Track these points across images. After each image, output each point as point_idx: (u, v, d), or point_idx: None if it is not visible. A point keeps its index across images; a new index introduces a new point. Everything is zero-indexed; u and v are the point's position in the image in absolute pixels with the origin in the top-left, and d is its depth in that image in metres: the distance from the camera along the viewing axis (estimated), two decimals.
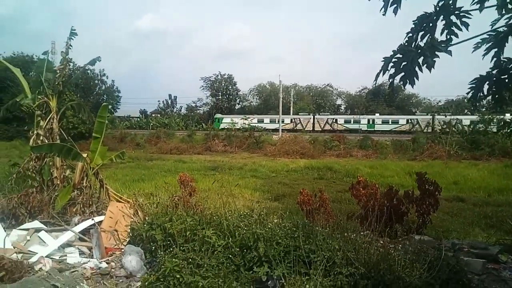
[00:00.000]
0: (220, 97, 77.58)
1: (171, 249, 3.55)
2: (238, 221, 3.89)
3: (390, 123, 52.60)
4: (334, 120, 55.50)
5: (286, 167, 18.48)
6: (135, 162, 20.13)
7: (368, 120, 54.31)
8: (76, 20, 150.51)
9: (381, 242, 3.85)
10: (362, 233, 4.10)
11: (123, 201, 6.45)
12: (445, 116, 37.56)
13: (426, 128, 49.03)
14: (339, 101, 79.24)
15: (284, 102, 58.17)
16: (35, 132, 7.13)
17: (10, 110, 7.94)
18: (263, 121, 57.40)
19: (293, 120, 57.33)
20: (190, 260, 3.26)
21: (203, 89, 79.63)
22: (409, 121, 52.19)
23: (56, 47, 59.03)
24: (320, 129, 52.34)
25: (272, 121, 56.09)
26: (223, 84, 77.93)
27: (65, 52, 7.43)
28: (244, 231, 3.68)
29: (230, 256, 3.51)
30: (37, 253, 4.49)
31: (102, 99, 54.19)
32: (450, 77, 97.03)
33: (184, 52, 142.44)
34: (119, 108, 67.23)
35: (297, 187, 11.63)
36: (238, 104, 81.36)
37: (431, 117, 51.00)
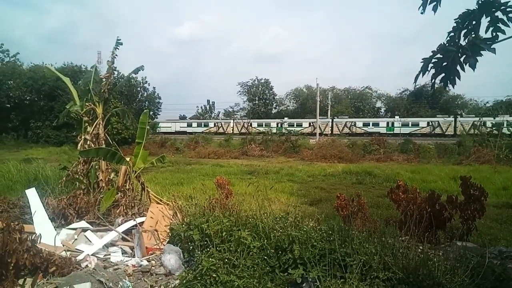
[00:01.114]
0: (257, 101, 78.09)
1: (208, 249, 3.64)
2: (274, 224, 3.92)
3: (410, 125, 51.34)
4: (352, 123, 54.72)
5: (323, 171, 18.26)
6: (174, 166, 20.71)
7: (387, 123, 53.13)
8: (119, 30, 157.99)
9: (421, 248, 3.72)
10: (401, 238, 3.98)
11: (163, 203, 6.68)
12: (494, 118, 35.37)
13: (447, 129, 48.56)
14: (378, 104, 77.04)
15: (322, 105, 57.54)
16: (82, 137, 7.58)
17: (65, 117, 8.47)
18: (263, 125, 54.80)
19: (311, 124, 57.22)
20: (226, 260, 3.33)
21: (240, 94, 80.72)
22: (430, 123, 50.78)
23: (102, 57, 62.36)
24: (338, 133, 51.68)
25: (266, 125, 54.12)
26: (260, 88, 78.44)
27: (111, 61, 7.84)
28: (280, 233, 3.70)
29: (266, 257, 3.54)
30: (83, 251, 4.75)
31: (144, 105, 56.27)
32: (499, 76, 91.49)
33: (222, 57, 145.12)
34: (159, 114, 69.54)
35: (335, 192, 11.45)
36: (275, 108, 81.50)
37: (453, 119, 49.87)
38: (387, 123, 53.15)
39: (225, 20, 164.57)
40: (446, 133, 47.86)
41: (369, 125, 53.95)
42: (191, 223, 4.14)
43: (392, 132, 49.30)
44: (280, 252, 3.61)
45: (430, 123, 50.88)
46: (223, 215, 4.31)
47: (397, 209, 6.06)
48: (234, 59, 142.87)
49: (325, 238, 3.72)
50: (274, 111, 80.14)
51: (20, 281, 3.39)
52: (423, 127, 50.88)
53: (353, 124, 54.94)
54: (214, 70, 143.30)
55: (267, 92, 78.85)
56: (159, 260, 4.10)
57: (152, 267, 3.99)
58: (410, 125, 51.25)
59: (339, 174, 17.32)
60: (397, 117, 55.14)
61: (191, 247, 3.94)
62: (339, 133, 51.40)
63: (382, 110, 75.64)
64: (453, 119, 49.82)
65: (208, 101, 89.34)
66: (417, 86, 59.98)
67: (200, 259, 3.37)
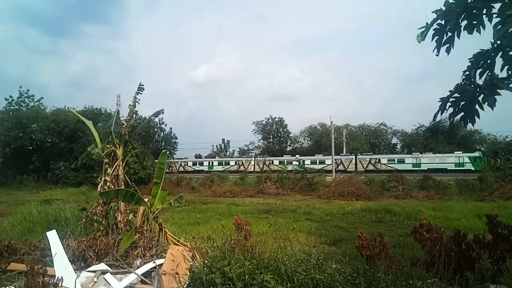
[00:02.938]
0: (271, 139, 78.71)
1: None
2: (296, 266, 3.84)
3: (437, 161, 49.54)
4: (377, 160, 53.49)
5: (341, 209, 17.92)
6: (190, 206, 20.68)
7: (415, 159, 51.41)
8: (137, 74, 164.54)
9: None
10: (429, 280, 3.83)
11: (180, 244, 6.64)
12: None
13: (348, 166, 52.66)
14: (394, 140, 76.57)
15: (337, 142, 57.47)
16: (103, 178, 7.73)
17: (85, 159, 8.70)
18: (284, 163, 54.54)
19: (236, 162, 59.99)
20: None
21: (254, 132, 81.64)
22: (336, 160, 49.94)
23: (121, 99, 64.77)
24: (363, 170, 50.94)
25: (288, 162, 55.00)
26: (274, 127, 79.36)
27: (132, 105, 8.15)
28: (303, 276, 3.62)
29: None
30: None
31: (161, 145, 57.51)
32: None
33: (237, 97, 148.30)
34: (175, 154, 70.75)
35: (355, 231, 11.18)
36: (289, 146, 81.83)
37: (353, 156, 53.63)
38: (416, 159, 51.41)
39: (240, 62, 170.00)
40: (347, 170, 51.69)
41: (394, 161, 52.62)
42: (212, 266, 4.08)
43: (419, 168, 47.53)
44: None
45: (236, 162, 58.13)
46: (244, 257, 4.25)
47: (422, 249, 5.85)
48: (248, 99, 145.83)
49: (350, 281, 3.61)
50: (288, 148, 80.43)
51: None
52: (329, 164, 51.76)
53: (377, 160, 53.88)
54: (229, 110, 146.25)
55: (281, 130, 79.63)
56: None
57: None
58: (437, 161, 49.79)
59: (357, 212, 16.96)
60: (417, 153, 54.02)
61: None
62: (363, 170, 50.65)
63: (398, 146, 75.03)
64: (353, 156, 54.98)
65: (223, 139, 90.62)
66: (432, 123, 59.82)
67: None
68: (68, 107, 51.33)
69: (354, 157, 55.57)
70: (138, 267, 5.58)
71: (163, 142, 62.15)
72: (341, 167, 54.02)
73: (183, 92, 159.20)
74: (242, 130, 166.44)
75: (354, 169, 51.95)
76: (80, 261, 5.92)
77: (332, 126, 51.88)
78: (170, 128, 66.57)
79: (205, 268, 4.14)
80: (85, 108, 50.50)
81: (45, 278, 3.69)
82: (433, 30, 3.66)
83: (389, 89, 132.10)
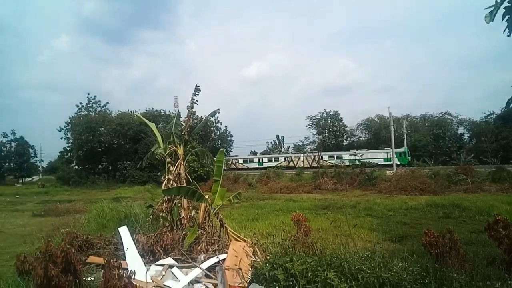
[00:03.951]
0: (326, 134, 77.22)
1: None
2: (360, 264, 3.74)
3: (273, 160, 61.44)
4: (320, 157, 56.87)
5: (404, 204, 17.06)
6: (248, 202, 20.97)
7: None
8: (193, 75, 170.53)
9: None
10: (509, 281, 3.52)
11: (240, 239, 6.77)
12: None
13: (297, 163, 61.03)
14: (460, 130, 70.97)
15: (397, 135, 54.91)
16: (166, 177, 8.14)
17: (149, 159, 9.20)
18: (334, 157, 59.32)
19: (286, 159, 67.24)
20: None
21: (309, 127, 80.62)
22: (286, 158, 65.70)
23: (178, 101, 67.57)
24: (309, 166, 58.12)
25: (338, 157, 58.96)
26: (329, 121, 77.76)
27: (190, 106, 8.46)
28: (368, 274, 3.51)
29: None
30: (171, 287, 4.96)
31: (217, 144, 59.10)
32: None
33: (290, 92, 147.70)
34: (231, 151, 72.34)
35: (420, 227, 10.61)
36: (346, 140, 79.70)
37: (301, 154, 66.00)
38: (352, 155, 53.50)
39: (292, 56, 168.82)
40: (296, 166, 59.38)
41: (334, 158, 59.73)
42: (274, 262, 4.12)
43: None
44: None
45: (286, 158, 66.11)
46: (306, 254, 4.22)
47: (499, 247, 5.40)
48: (302, 94, 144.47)
49: (419, 281, 3.44)
50: (345, 142, 78.35)
51: None
52: (282, 162, 64.44)
53: (320, 157, 57.89)
54: (283, 106, 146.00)
55: (336, 124, 77.77)
56: None
57: None
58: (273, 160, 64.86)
59: (422, 207, 16.03)
60: (353, 150, 56.10)
61: (276, 286, 3.90)
62: (309, 166, 58.62)
63: (466, 136, 69.62)
64: (302, 154, 66.28)
65: (278, 136, 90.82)
66: (505, 109, 54.64)
67: None
68: (131, 110, 54.76)
69: (302, 154, 66.60)
70: (202, 262, 5.80)
71: (219, 140, 63.79)
72: (291, 164, 63.70)
73: (237, 90, 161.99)
74: (297, 126, 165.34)
75: (302, 165, 59.54)
76: (149, 255, 6.27)
77: (391, 117, 49.68)
78: (226, 127, 68.14)
79: (267, 264, 4.18)
80: (146, 110, 53.42)
81: (120, 271, 3.97)
82: (504, 8, 3.37)
83: (452, 76, 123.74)
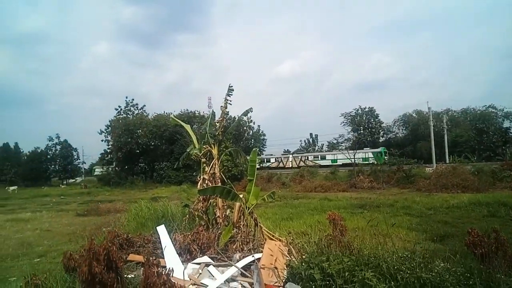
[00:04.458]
0: (362, 131, 75.41)
1: None
2: (399, 264, 3.62)
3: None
4: (306, 158, 65.67)
5: (445, 203, 16.38)
6: (282, 201, 20.94)
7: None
8: (225, 75, 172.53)
9: None
10: None
11: (275, 239, 6.76)
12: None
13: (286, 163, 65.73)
14: (506, 124, 66.60)
15: (436, 130, 52.73)
16: (201, 177, 8.28)
17: (185, 159, 9.40)
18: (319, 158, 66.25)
19: (276, 159, 70.25)
20: None
21: (343, 125, 78.97)
22: (276, 159, 70.01)
23: (212, 101, 68.67)
24: (296, 166, 60.34)
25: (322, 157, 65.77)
26: (364, 117, 75.81)
27: (224, 106, 8.55)
28: (407, 274, 3.39)
29: None
30: (207, 285, 5.04)
31: (250, 143, 59.44)
32: None
33: (323, 90, 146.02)
34: (264, 150, 72.50)
35: (463, 227, 10.16)
36: (382, 137, 77.36)
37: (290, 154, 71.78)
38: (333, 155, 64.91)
39: (325, 53, 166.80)
40: (285, 166, 64.35)
41: (318, 158, 66.58)
42: (310, 261, 4.08)
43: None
44: None
45: (276, 159, 69.58)
46: (343, 253, 4.15)
47: None
48: (335, 91, 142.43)
49: (463, 282, 3.28)
50: (381, 139, 76.08)
51: None
52: (273, 162, 68.81)
53: (306, 158, 67.24)
54: (316, 103, 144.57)
55: (372, 120, 75.65)
56: None
57: None
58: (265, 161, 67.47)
59: (465, 205, 15.32)
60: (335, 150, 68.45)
61: (313, 286, 3.86)
62: (296, 166, 60.47)
63: None
64: (290, 155, 71.10)
65: (311, 134, 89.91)
66: None
67: None
68: (166, 112, 56.23)
69: (290, 155, 71.34)
70: (237, 261, 5.84)
71: (252, 140, 64.08)
72: (281, 165, 67.39)
73: (269, 89, 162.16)
74: (331, 123, 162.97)
75: (290, 166, 63.87)
76: (186, 253, 6.40)
77: (430, 112, 47.86)
78: (258, 126, 68.34)
79: (303, 264, 4.15)
80: (181, 112, 54.64)
81: (159, 269, 4.07)
82: None
83: (496, 67, 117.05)
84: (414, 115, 73.07)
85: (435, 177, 26.37)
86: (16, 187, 53.29)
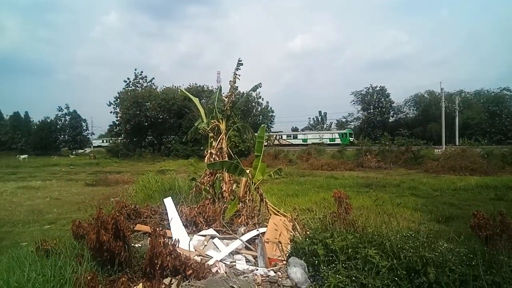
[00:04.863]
0: (371, 110, 74.55)
1: (333, 265, 3.57)
2: (403, 243, 3.64)
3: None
4: (280, 137, 68.53)
5: (452, 185, 16.31)
6: (288, 178, 21.03)
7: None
8: (235, 49, 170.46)
9: None
10: None
11: (280, 214, 6.83)
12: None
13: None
14: None
15: (448, 111, 51.95)
16: (209, 151, 8.30)
17: (193, 133, 9.41)
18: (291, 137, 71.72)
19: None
20: (353, 278, 3.21)
21: (353, 103, 78.09)
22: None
23: (221, 76, 68.12)
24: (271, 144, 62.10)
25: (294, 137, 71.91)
26: (375, 96, 74.73)
27: (233, 81, 8.45)
28: (410, 253, 3.41)
29: (396, 278, 3.30)
30: (212, 257, 5.14)
31: (258, 119, 59.18)
32: None
33: (334, 67, 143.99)
34: (272, 127, 72.31)
35: (468, 209, 10.15)
36: (392, 117, 76.45)
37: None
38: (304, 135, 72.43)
39: (338, 29, 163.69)
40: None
41: (291, 137, 71.48)
42: (314, 237, 4.12)
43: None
44: (412, 274, 3.32)
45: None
46: (346, 230, 4.18)
47: None
48: (347, 68, 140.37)
49: (466, 262, 3.29)
50: (391, 119, 75.23)
51: (165, 281, 3.84)
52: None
53: (280, 137, 68.29)
54: (326, 81, 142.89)
55: (383, 100, 74.54)
56: (285, 272, 4.19)
57: (279, 278, 4.08)
58: None
59: (472, 188, 15.24)
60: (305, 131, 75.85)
61: (316, 261, 3.91)
62: (271, 144, 60.44)
63: None
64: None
65: (320, 112, 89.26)
66: None
67: (327, 274, 3.32)
68: (175, 86, 55.98)
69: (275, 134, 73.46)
70: (242, 234, 5.93)
71: (260, 116, 63.77)
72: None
73: (280, 64, 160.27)
74: (340, 102, 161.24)
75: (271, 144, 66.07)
76: (192, 225, 6.51)
77: (442, 93, 47.04)
78: (267, 102, 67.75)
79: (307, 239, 4.19)
80: (190, 86, 54.34)
81: (165, 239, 4.16)
82: None
83: None
84: (426, 95, 71.88)
85: (443, 159, 26.17)
86: (27, 155, 54.17)
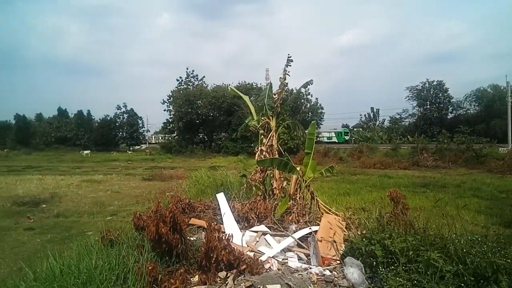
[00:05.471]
0: (428, 106, 70.34)
1: (392, 267, 3.42)
2: (469, 247, 3.40)
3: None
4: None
5: None
6: (339, 176, 20.59)
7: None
8: (284, 46, 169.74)
9: None
10: None
11: (332, 213, 6.70)
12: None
13: None
14: None
15: None
16: (259, 148, 8.35)
17: (244, 130, 9.53)
18: None
19: None
20: (415, 282, 3.06)
21: (408, 99, 74.12)
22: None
23: (269, 73, 68.33)
24: None
25: None
26: (431, 92, 70.36)
27: (282, 78, 8.42)
28: (478, 258, 3.18)
29: (462, 284, 3.09)
30: (264, 253, 5.17)
31: (307, 116, 58.64)
32: None
33: (386, 61, 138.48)
34: (322, 124, 71.20)
35: None
36: (451, 113, 71.47)
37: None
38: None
39: (390, 22, 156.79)
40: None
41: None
42: (372, 237, 3.99)
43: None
44: (481, 281, 3.09)
45: None
46: (406, 232, 3.99)
47: None
48: (400, 62, 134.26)
49: None
50: (450, 116, 70.42)
51: (220, 274, 3.93)
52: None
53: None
54: (378, 76, 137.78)
55: (440, 95, 69.84)
56: (341, 272, 4.10)
57: (335, 278, 4.00)
58: None
59: None
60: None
61: (373, 262, 3.78)
62: None
63: None
64: None
65: (372, 108, 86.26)
66: None
67: (386, 277, 3.19)
68: (225, 84, 57.08)
69: None
70: (294, 232, 5.90)
71: (309, 113, 63.05)
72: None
73: (329, 60, 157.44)
74: (394, 97, 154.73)
75: None
76: (243, 221, 6.60)
77: (508, 87, 43.23)
78: (316, 99, 66.77)
79: (364, 239, 4.07)
80: (239, 83, 55.08)
81: (220, 234, 4.26)
82: None
83: None
84: (489, 90, 66.42)
85: (509, 158, 24.17)
86: (89, 151, 58.17)
